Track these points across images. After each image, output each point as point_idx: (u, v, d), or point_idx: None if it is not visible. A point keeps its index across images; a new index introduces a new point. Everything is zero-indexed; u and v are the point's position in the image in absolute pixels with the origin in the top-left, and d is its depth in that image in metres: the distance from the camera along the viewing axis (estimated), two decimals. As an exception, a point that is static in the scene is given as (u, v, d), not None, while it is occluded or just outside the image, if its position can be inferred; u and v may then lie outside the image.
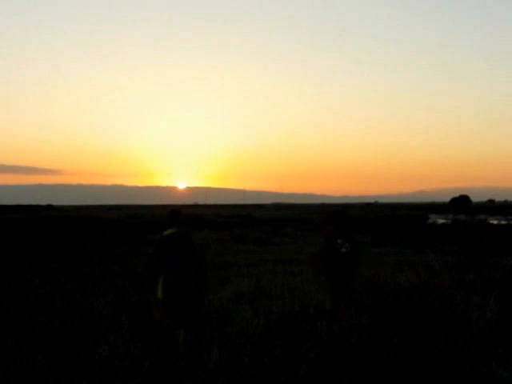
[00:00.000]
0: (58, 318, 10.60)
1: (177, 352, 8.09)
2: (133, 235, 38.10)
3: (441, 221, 63.97)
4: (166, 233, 8.47)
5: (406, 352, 7.96)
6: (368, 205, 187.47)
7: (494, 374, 7.15)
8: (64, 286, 14.47)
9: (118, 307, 11.38)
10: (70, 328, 9.83)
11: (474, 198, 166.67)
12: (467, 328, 8.95)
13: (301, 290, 11.59)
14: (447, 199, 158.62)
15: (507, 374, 7.08)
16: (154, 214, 77.27)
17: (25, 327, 9.88)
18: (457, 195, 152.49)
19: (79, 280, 15.84)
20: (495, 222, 56.78)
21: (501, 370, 7.21)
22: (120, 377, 7.25)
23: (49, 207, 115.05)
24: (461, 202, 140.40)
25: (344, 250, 8.37)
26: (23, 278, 15.65)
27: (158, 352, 8.24)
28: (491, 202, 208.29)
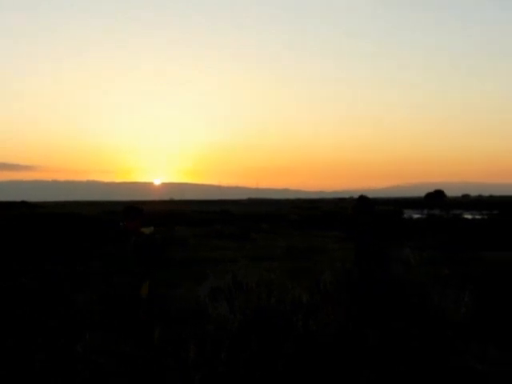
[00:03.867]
0: (35, 316, 10.56)
1: (154, 349, 8.07)
2: (111, 232, 37.79)
3: (416, 216, 64.33)
4: (147, 232, 8.51)
5: (382, 348, 8.00)
6: (343, 200, 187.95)
7: (470, 368, 7.22)
8: (43, 284, 14.37)
9: (97, 304, 11.33)
10: (46, 326, 9.79)
11: (449, 193, 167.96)
12: (442, 323, 9.02)
13: (277, 285, 11.61)
14: (422, 194, 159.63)
15: (483, 368, 7.14)
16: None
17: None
18: (432, 190, 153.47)
19: (59, 277, 15.72)
20: (470, 217, 57.25)
21: (476, 364, 7.28)
22: (96, 374, 7.23)
23: (23, 204, 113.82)
24: (436, 197, 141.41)
25: None
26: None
27: (136, 348, 8.22)
28: (466, 196, 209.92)
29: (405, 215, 67.72)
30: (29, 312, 10.93)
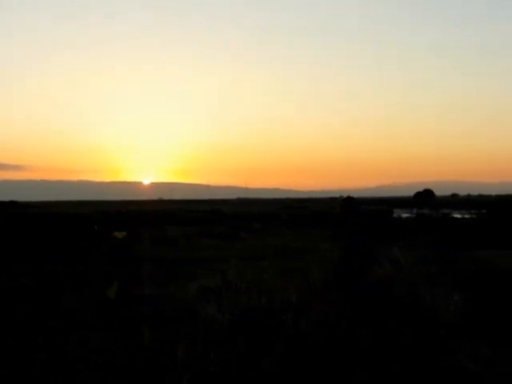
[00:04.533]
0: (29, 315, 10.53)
1: (143, 348, 8.06)
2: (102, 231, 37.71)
3: (405, 215, 64.41)
4: (119, 236, 8.59)
5: (375, 347, 7.97)
6: (334, 199, 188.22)
7: (462, 368, 7.20)
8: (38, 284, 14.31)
9: (89, 304, 11.32)
10: (41, 325, 9.76)
11: (438, 193, 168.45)
12: (434, 322, 9.00)
13: (267, 284, 11.58)
14: (411, 193, 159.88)
15: (475, 367, 7.12)
16: (119, 210, 76.70)
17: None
18: (421, 189, 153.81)
19: (53, 278, 15.65)
20: (459, 216, 57.37)
21: (468, 363, 7.26)
22: (88, 371, 7.21)
23: (13, 203, 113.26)
24: (425, 197, 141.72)
25: None
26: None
27: (125, 348, 8.19)
28: (455, 196, 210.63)
29: (394, 214, 67.81)
30: (29, 312, 10.90)
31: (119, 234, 10.27)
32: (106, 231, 24.58)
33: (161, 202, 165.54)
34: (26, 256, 20.94)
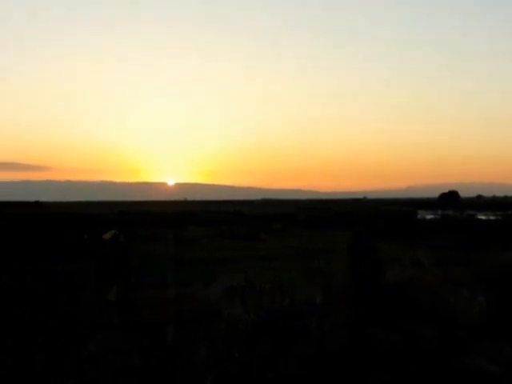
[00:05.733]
0: (47, 316, 10.56)
1: (166, 348, 8.06)
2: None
3: (429, 216, 63.99)
4: (107, 237, 8.74)
5: (394, 348, 7.92)
6: (357, 201, 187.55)
7: (482, 369, 7.11)
8: (56, 284, 14.36)
9: (108, 305, 11.32)
10: (61, 326, 9.79)
11: (463, 194, 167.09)
12: (454, 323, 8.92)
13: (290, 285, 11.55)
14: (436, 195, 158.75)
15: (494, 369, 7.04)
16: (143, 211, 76.98)
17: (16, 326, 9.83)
18: (446, 191, 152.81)
19: (72, 278, 15.69)
20: (484, 218, 56.88)
21: (488, 365, 7.17)
22: (110, 373, 7.22)
23: (37, 204, 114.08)
24: (450, 198, 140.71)
25: None
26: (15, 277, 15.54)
27: (148, 349, 8.20)
28: (480, 197, 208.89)
29: (419, 216, 67.37)
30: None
31: (107, 235, 10.28)
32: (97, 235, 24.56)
33: (184, 202, 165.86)
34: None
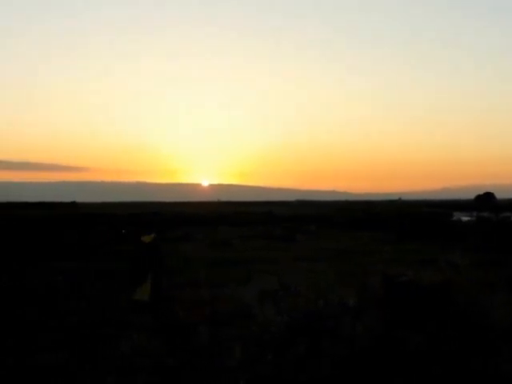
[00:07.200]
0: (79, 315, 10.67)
1: (200, 349, 8.11)
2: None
3: (465, 218, 63.38)
4: (147, 240, 8.91)
5: (425, 351, 7.88)
6: (392, 202, 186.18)
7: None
8: (86, 283, 14.51)
9: (139, 306, 11.42)
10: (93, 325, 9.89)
11: (499, 195, 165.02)
12: (486, 326, 8.83)
13: (324, 287, 11.54)
14: (472, 196, 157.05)
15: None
16: (176, 212, 77.36)
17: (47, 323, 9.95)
18: (481, 192, 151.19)
19: (102, 278, 15.84)
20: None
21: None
22: (142, 373, 7.28)
23: (72, 204, 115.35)
24: (485, 199, 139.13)
25: None
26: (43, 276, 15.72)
27: (181, 350, 8.24)
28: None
29: (454, 218, 66.76)
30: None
31: (147, 238, 10.37)
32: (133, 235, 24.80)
33: (219, 203, 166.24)
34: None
